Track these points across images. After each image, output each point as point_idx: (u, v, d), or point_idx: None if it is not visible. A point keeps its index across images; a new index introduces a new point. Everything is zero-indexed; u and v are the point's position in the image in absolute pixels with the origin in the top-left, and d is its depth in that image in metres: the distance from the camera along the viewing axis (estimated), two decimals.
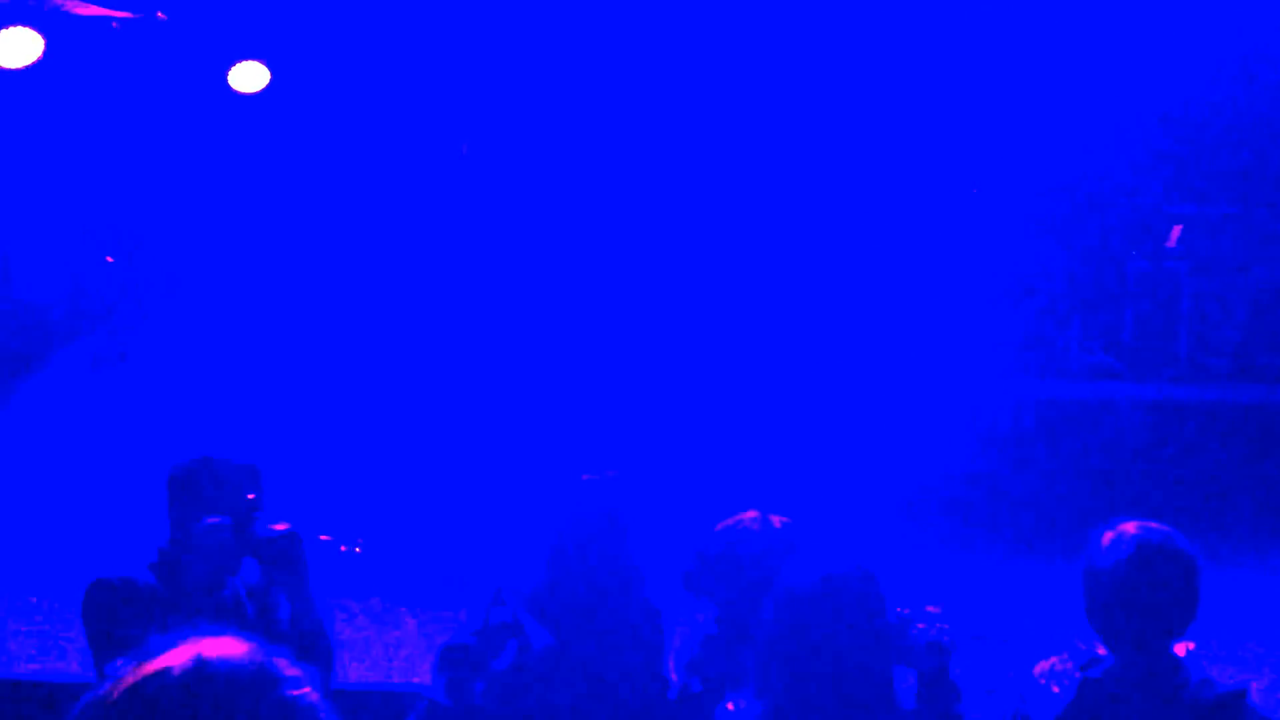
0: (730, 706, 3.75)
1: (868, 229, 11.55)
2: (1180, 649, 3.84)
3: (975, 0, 11.11)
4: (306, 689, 2.07)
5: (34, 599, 8.70)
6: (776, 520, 5.38)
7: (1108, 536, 3.95)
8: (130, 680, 2.02)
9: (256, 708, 2.02)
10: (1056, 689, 3.79)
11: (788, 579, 3.62)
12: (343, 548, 9.83)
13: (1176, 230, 11.38)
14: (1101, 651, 3.89)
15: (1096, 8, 11.02)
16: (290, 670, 2.07)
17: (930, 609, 3.93)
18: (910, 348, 11.20)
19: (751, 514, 5.39)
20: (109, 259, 11.17)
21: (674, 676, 5.29)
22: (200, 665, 2.02)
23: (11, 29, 10.13)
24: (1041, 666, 4.01)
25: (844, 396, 10.97)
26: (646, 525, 5.18)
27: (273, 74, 11.12)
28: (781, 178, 11.62)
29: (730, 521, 5.29)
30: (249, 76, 11.11)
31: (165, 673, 2.02)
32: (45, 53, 10.23)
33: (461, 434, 10.95)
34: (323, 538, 9.87)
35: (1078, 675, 3.76)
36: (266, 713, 2.02)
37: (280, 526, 4.72)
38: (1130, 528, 3.93)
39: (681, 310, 11.52)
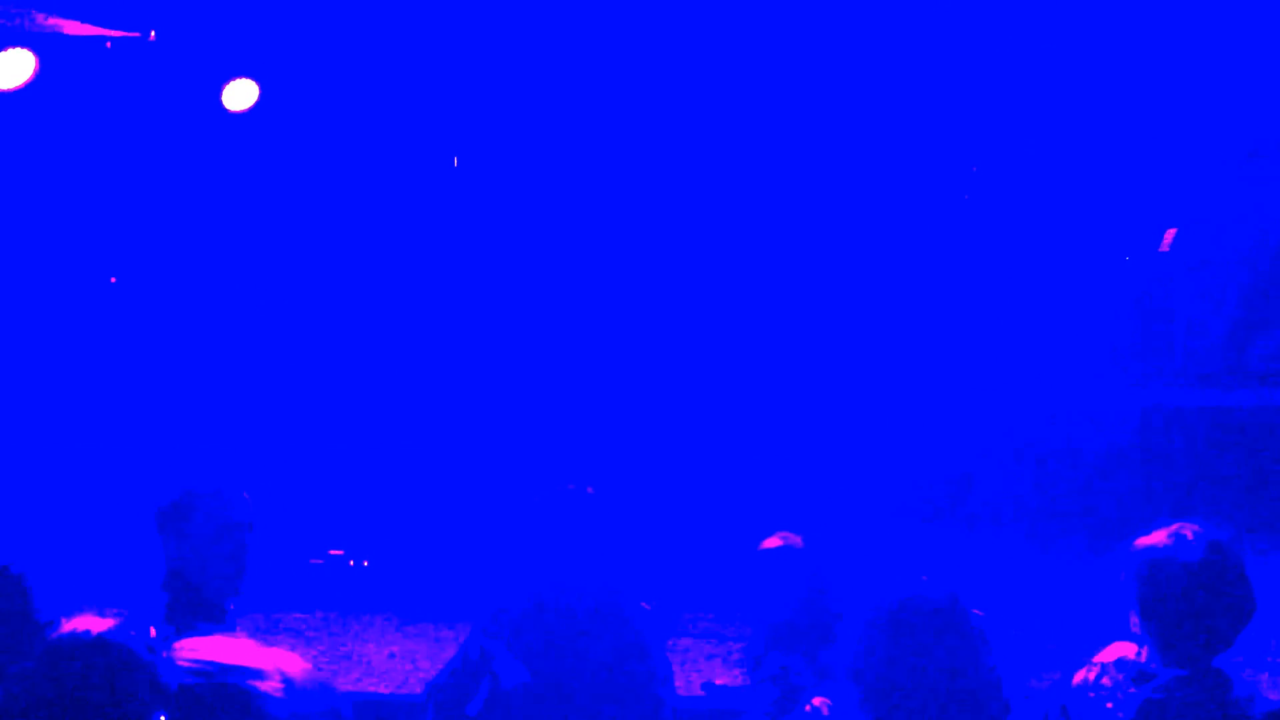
0: (817, 701, 3.77)
1: (867, 228, 11.59)
2: None
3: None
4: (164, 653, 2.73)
5: None
6: (800, 541, 5.43)
7: (1164, 537, 3.93)
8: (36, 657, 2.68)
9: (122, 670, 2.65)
10: (1110, 705, 3.79)
11: (879, 596, 3.63)
12: (350, 562, 9.86)
13: (1170, 234, 11.43)
14: (1145, 656, 3.88)
15: (1094, 5, 11.06)
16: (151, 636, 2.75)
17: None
18: (916, 354, 11.26)
19: (783, 536, 5.44)
20: (112, 279, 11.14)
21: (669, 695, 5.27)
22: (79, 637, 2.68)
23: (5, 50, 10.10)
24: (1084, 676, 4.00)
25: (859, 404, 11.02)
26: (633, 542, 5.18)
27: (263, 91, 11.12)
28: (785, 179, 11.63)
29: (771, 544, 5.34)
30: (240, 94, 11.11)
31: (56, 642, 2.70)
32: (38, 73, 10.20)
33: (460, 446, 10.96)
34: (333, 552, 9.94)
35: (1133, 691, 3.76)
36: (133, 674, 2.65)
37: None
38: (1188, 529, 3.90)
39: (699, 318, 11.52)
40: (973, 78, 11.36)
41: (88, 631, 2.72)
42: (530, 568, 5.03)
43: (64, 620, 2.80)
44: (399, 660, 8.45)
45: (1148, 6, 11.11)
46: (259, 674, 2.72)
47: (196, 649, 2.79)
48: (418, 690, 5.42)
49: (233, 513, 4.76)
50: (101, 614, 2.80)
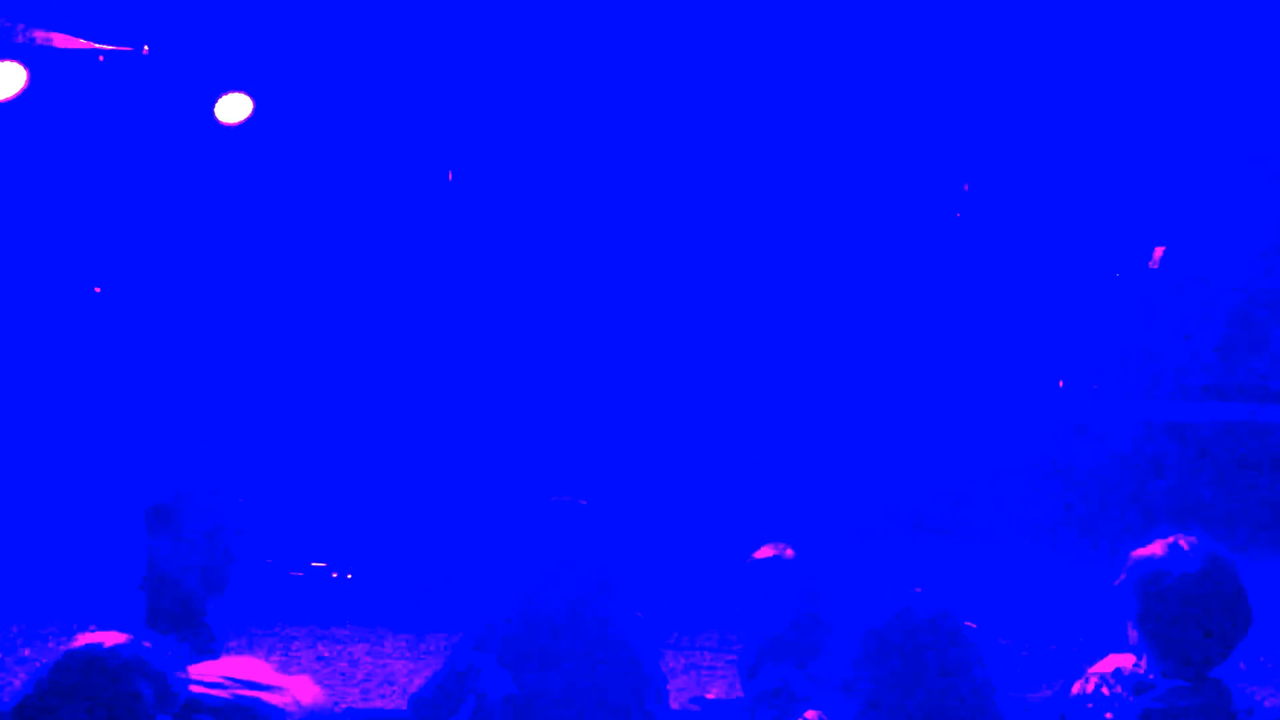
0: (810, 715, 3.78)
1: (866, 239, 11.59)
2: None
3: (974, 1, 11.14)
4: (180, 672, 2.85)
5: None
6: (791, 551, 5.41)
7: (1162, 549, 3.93)
8: (47, 669, 2.84)
9: (133, 682, 2.79)
10: (1109, 715, 3.80)
11: (875, 610, 3.64)
12: (334, 574, 9.82)
13: (1159, 251, 11.44)
14: (1144, 667, 3.88)
15: (1089, 11, 11.07)
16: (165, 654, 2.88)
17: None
18: (915, 360, 11.26)
19: (775, 546, 5.42)
20: (97, 290, 11.13)
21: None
22: (93, 649, 2.83)
23: None
24: (1083, 686, 4.00)
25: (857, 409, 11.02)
26: (626, 553, 5.15)
27: (257, 104, 11.12)
28: (786, 189, 11.63)
29: (762, 554, 5.33)
30: (234, 108, 11.10)
31: (70, 655, 2.82)
32: (29, 86, 10.19)
33: (448, 456, 10.93)
34: (315, 564, 9.90)
35: (1132, 702, 3.76)
36: (143, 687, 2.79)
37: None
38: (1183, 541, 3.92)
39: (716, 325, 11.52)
40: (972, 94, 11.37)
41: (100, 644, 2.84)
42: (518, 579, 4.99)
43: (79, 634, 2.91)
44: (382, 673, 8.42)
45: (1144, 22, 11.13)
46: (270, 689, 2.80)
47: (213, 668, 2.91)
48: (401, 705, 5.39)
49: (222, 515, 4.76)
50: (114, 628, 2.93)
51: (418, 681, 5.24)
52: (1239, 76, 11.22)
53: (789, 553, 5.39)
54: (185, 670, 2.95)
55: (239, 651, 4.01)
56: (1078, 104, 11.35)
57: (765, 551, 5.37)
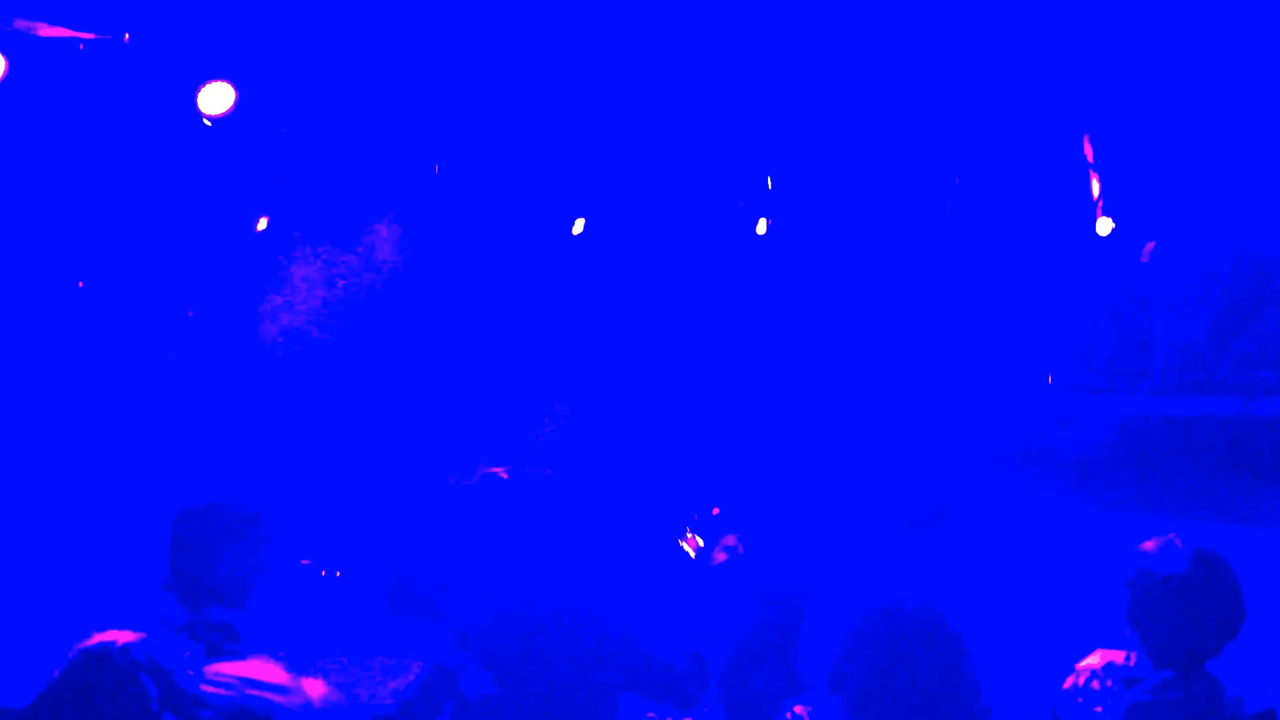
0: (798, 710, 3.75)
1: (852, 233, 11.60)
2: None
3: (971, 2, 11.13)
4: (189, 672, 2.96)
5: None
6: (745, 547, 5.39)
7: (1155, 546, 3.95)
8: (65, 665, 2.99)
9: (140, 681, 2.92)
10: (1099, 709, 3.79)
11: (862, 604, 3.63)
12: (323, 572, 9.77)
13: (1150, 246, 11.46)
14: (1133, 661, 3.89)
15: (1085, 11, 11.06)
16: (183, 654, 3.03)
17: None
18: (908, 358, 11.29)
19: (733, 543, 5.40)
20: (80, 284, 11.09)
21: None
22: (104, 648, 2.99)
23: None
24: (1074, 680, 4.00)
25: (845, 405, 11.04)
26: (609, 547, 5.12)
27: (240, 95, 11.07)
28: (771, 185, 11.64)
29: (721, 550, 5.30)
30: (216, 97, 11.05)
31: (83, 653, 2.97)
32: (9, 74, 10.16)
33: (439, 448, 10.93)
34: (303, 561, 9.85)
35: (1122, 695, 3.75)
36: (149, 685, 2.92)
37: None
38: (1177, 539, 3.94)
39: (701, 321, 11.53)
40: (962, 91, 11.37)
41: (112, 643, 2.95)
42: (495, 575, 4.96)
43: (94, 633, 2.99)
44: (371, 674, 8.39)
45: (1133, 21, 11.13)
46: (279, 690, 2.83)
47: (225, 668, 2.95)
48: (388, 704, 5.35)
49: (245, 518, 4.75)
50: (128, 628, 3.03)
51: (403, 682, 5.21)
52: (1232, 70, 11.23)
53: (746, 548, 5.36)
54: (199, 670, 2.97)
55: (252, 653, 3.97)
56: (1064, 99, 11.36)
57: (724, 551, 5.34)
